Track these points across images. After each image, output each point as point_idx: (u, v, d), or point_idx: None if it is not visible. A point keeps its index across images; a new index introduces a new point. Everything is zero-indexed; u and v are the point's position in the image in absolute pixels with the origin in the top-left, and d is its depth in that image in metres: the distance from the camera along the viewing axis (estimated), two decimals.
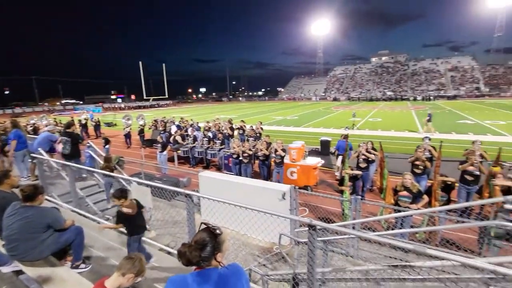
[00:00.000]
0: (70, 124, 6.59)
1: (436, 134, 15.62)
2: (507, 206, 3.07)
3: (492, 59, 69.68)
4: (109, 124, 26.10)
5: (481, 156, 6.13)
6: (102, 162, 6.35)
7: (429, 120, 16.44)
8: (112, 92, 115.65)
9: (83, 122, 19.01)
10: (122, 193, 3.28)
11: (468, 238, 4.76)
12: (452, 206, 3.96)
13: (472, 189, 5.61)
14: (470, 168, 5.63)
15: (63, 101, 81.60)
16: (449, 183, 5.06)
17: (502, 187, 4.57)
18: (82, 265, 3.11)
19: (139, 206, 3.41)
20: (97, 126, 19.23)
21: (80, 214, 4.79)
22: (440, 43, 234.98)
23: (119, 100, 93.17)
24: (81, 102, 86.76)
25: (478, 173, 5.62)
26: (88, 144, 7.85)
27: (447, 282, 2.67)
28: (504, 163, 5.81)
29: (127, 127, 15.37)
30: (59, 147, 6.66)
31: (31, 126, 14.29)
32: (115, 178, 4.48)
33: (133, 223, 3.30)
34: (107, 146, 11.49)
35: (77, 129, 15.35)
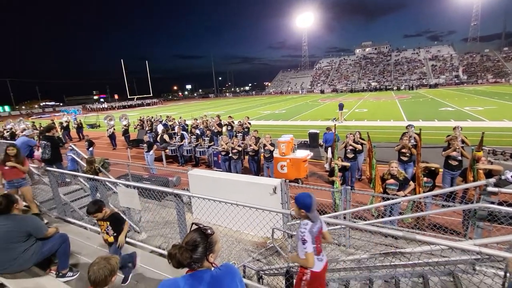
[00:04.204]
0: (50, 128, 6.33)
1: (345, 122, 17.99)
2: (489, 188, 3.18)
3: (469, 47, 72.25)
4: (92, 126, 25.32)
5: (463, 141, 6.33)
6: (85, 165, 6.13)
7: (341, 109, 18.68)
8: (94, 92, 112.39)
9: (65, 124, 18.32)
10: (97, 204, 2.97)
11: (453, 221, 4.94)
12: (437, 191, 4.07)
13: (456, 174, 5.79)
14: (453, 154, 5.81)
15: (42, 104, 78.48)
16: (433, 169, 5.20)
17: (484, 171, 4.74)
18: (69, 273, 2.98)
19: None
20: (79, 128, 18.56)
21: (65, 221, 4.62)
22: (420, 33, 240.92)
23: (102, 100, 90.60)
24: (61, 104, 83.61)
25: (460, 158, 5.81)
26: (70, 147, 7.58)
27: (437, 266, 2.75)
28: (484, 147, 6.03)
29: (110, 128, 14.94)
30: (38, 151, 6.38)
31: (7, 131, 13.63)
32: (100, 181, 4.32)
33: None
34: (91, 149, 11.15)
35: (59, 132, 14.80)
